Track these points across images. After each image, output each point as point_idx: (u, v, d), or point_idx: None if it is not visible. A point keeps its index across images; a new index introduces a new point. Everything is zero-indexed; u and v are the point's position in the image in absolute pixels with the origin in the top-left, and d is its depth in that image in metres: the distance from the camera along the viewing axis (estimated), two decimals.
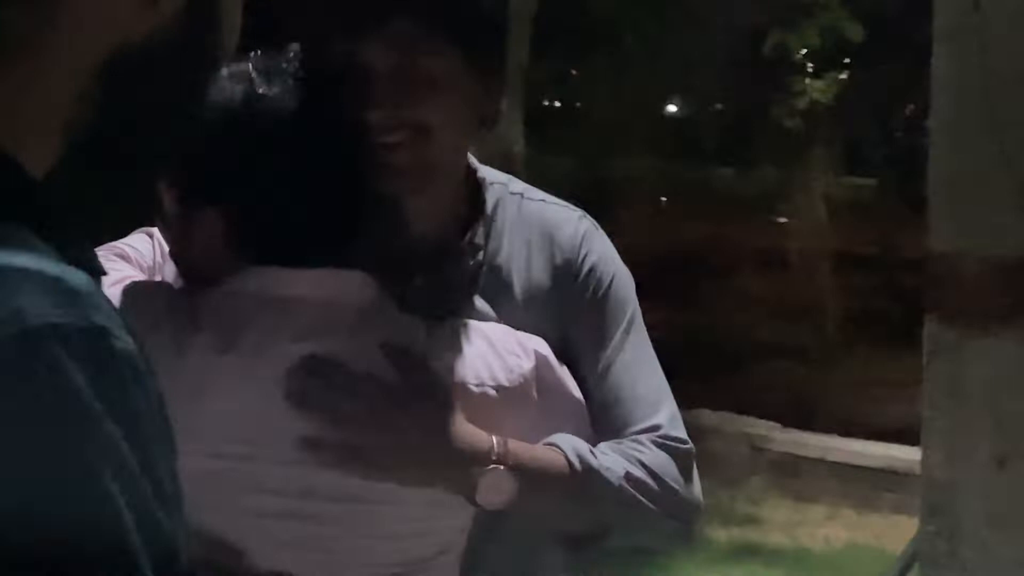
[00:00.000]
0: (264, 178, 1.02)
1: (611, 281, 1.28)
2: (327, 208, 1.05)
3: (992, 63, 2.73)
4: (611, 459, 1.14)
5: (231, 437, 1.02)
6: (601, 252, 1.28)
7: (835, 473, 5.03)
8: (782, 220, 9.61)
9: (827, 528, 4.85)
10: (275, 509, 1.03)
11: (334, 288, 1.05)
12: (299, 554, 1.04)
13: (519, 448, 1.11)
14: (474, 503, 1.07)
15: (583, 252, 1.27)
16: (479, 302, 1.20)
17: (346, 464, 1.02)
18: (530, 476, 1.08)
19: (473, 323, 1.12)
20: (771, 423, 5.44)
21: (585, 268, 1.27)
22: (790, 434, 5.39)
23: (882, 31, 7.64)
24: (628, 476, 1.12)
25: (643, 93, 9.28)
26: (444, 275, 1.20)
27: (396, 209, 1.15)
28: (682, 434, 1.22)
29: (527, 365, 1.09)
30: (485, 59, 1.19)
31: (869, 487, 4.85)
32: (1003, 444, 2.79)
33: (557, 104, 10.88)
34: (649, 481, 1.14)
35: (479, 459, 1.06)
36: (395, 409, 1.04)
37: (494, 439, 1.09)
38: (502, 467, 1.06)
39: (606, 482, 1.11)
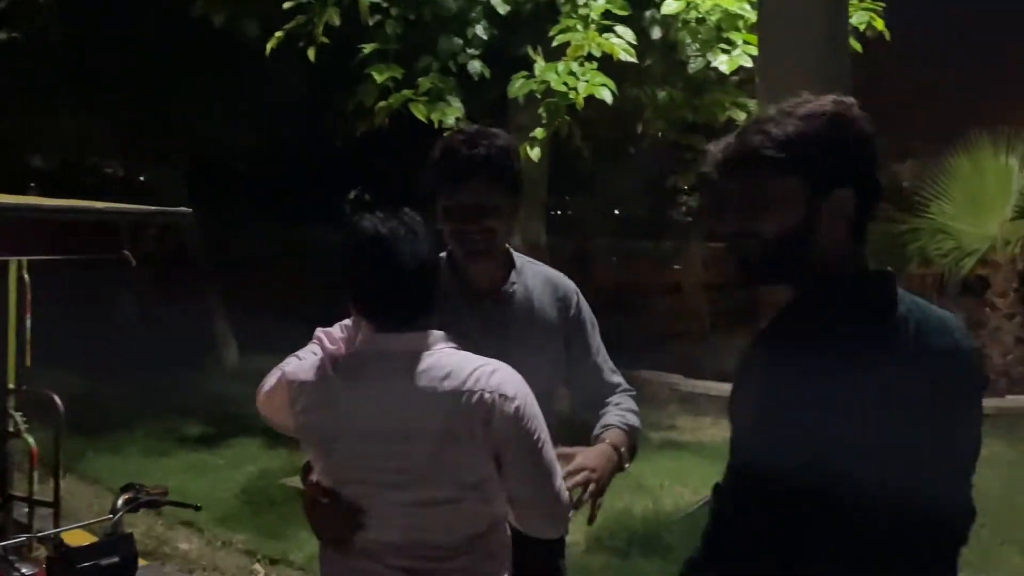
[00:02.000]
0: (382, 282, 1.71)
1: (589, 312, 2.17)
2: (417, 294, 1.74)
3: None
4: (632, 416, 2.11)
5: (363, 435, 1.70)
6: (581, 295, 2.15)
7: (713, 402, 7.58)
8: None
9: (713, 430, 7.10)
10: (382, 480, 1.71)
11: (419, 342, 1.71)
12: (402, 527, 1.72)
13: (618, 438, 2.03)
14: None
15: (574, 296, 2.14)
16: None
17: None
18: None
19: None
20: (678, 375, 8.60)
21: (574, 304, 2.14)
22: (689, 381, 8.44)
23: None
24: (635, 418, 2.12)
25: None
26: (494, 305, 2.05)
27: (467, 274, 2.04)
28: (628, 385, 2.20)
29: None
30: (512, 196, 2.00)
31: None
32: None
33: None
34: (637, 416, 2.13)
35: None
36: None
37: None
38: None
39: (638, 426, 2.12)
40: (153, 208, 3.09)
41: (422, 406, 1.66)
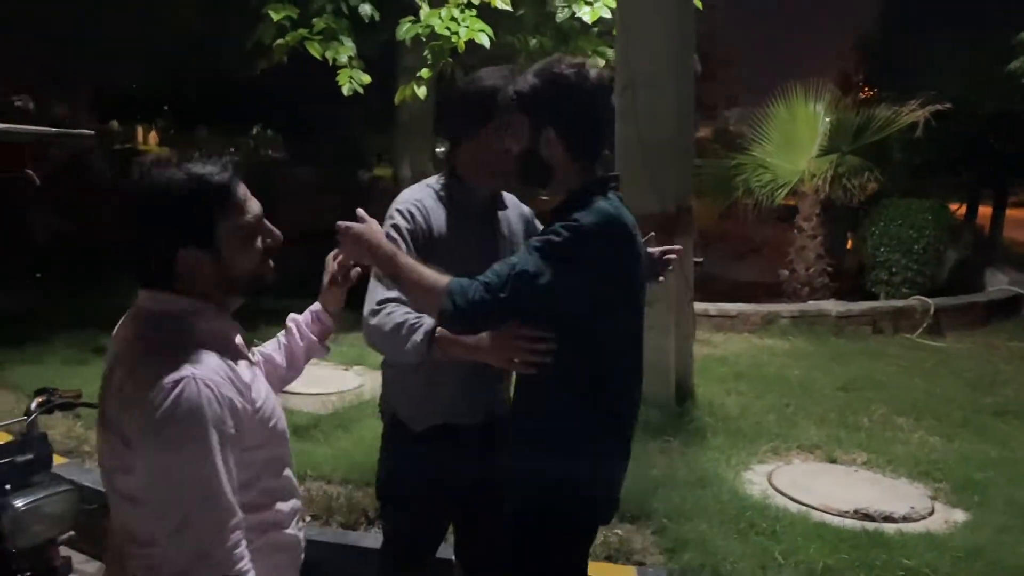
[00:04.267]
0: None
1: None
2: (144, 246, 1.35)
3: (641, 127, 4.36)
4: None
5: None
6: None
7: None
8: None
9: None
10: None
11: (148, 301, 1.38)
12: None
13: None
14: None
15: (531, 213, 2.25)
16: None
17: None
18: None
19: None
20: None
21: (534, 218, 2.24)
22: None
23: None
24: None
25: None
26: (497, 219, 2.12)
27: (477, 194, 2.05)
28: None
29: None
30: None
31: None
32: None
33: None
34: None
35: None
36: None
37: None
38: None
39: None
40: (56, 129, 2.83)
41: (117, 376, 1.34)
